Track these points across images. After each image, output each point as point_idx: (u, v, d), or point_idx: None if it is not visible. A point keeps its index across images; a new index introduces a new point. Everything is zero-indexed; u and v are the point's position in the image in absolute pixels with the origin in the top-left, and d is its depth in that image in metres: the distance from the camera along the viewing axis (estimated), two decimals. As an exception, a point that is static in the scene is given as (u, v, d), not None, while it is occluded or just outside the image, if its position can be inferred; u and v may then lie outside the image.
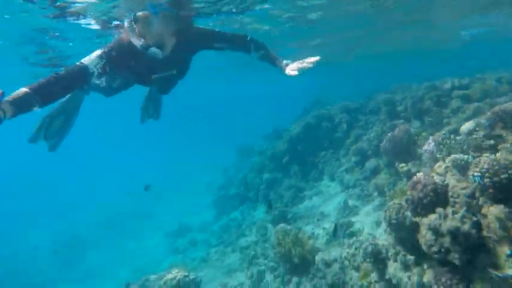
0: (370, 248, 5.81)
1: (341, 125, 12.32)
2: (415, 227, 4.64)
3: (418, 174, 4.75)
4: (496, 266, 3.84)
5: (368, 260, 5.88)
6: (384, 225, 6.76)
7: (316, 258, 7.45)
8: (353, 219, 8.58)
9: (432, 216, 4.36)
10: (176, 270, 7.11)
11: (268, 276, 8.39)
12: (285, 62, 3.78)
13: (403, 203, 4.84)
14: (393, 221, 4.75)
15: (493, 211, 3.78)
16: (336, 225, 7.33)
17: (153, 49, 3.42)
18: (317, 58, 3.36)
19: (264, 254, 9.23)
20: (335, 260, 7.07)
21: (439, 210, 4.26)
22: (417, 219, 4.68)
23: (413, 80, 12.55)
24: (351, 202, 9.41)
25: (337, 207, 9.62)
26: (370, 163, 9.57)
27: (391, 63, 28.25)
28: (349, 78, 35.39)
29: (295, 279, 7.56)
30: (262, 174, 13.44)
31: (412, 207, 4.67)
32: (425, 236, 4.37)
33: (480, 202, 4.05)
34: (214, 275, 9.41)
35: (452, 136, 6.07)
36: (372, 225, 7.86)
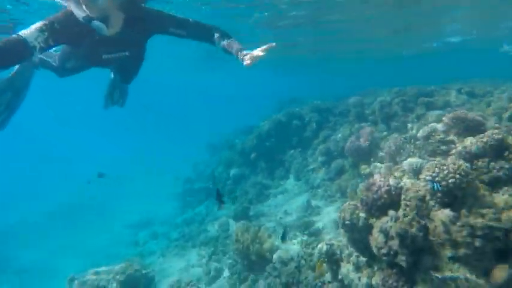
0: (325, 248, 5.80)
1: (311, 124, 12.35)
2: (368, 228, 4.64)
3: (374, 176, 4.76)
4: (438, 268, 3.90)
5: (322, 260, 5.87)
6: (341, 225, 6.81)
7: (274, 256, 7.39)
8: (314, 219, 8.61)
9: (384, 219, 4.38)
10: (127, 264, 6.79)
11: (226, 273, 8.26)
12: (244, 52, 3.60)
13: (358, 204, 4.83)
14: (347, 222, 4.73)
15: (439, 215, 3.82)
16: (284, 231, 7.30)
17: (97, 22, 3.14)
18: (272, 44, 3.21)
19: (224, 250, 9.08)
20: (292, 259, 7.04)
21: (391, 212, 4.28)
22: (371, 220, 4.69)
23: (391, 84, 12.77)
24: (314, 202, 9.44)
25: (300, 207, 9.63)
26: (336, 164, 9.64)
27: (371, 66, 28.74)
28: (329, 79, 35.77)
29: (251, 276, 7.46)
30: (230, 170, 13.27)
31: (366, 208, 4.67)
32: (376, 238, 4.38)
33: (430, 205, 4.10)
34: (171, 270, 9.14)
35: (412, 140, 6.16)
36: (331, 226, 7.90)
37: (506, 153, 4.25)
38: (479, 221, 3.64)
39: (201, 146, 19.98)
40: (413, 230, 3.95)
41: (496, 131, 4.36)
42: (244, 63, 3.21)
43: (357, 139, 7.54)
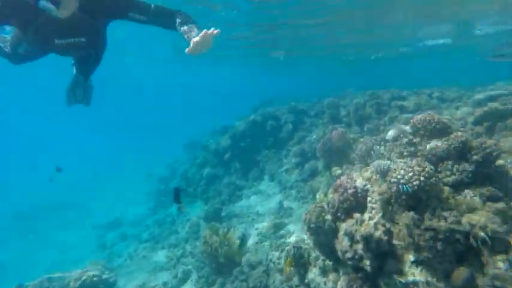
0: (292, 252, 5.66)
1: (286, 125, 12.25)
2: (334, 232, 4.52)
3: (341, 177, 4.65)
4: (402, 272, 3.82)
5: (289, 264, 5.72)
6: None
7: (243, 259, 7.20)
8: (286, 220, 8.48)
9: (350, 222, 4.27)
10: (85, 270, 6.40)
11: (194, 276, 7.98)
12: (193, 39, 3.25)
13: (325, 207, 4.71)
14: (312, 225, 4.59)
15: (403, 218, 3.74)
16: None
17: (44, 2, 2.84)
18: (213, 31, 2.93)
19: (193, 252, 8.80)
20: (260, 262, 6.86)
21: (356, 215, 4.17)
22: (338, 223, 4.58)
23: (369, 87, 12.83)
24: (286, 203, 9.31)
25: (273, 208, 9.48)
26: (309, 165, 9.55)
27: (352, 69, 28.92)
28: (309, 80, 35.86)
29: (219, 280, 7.23)
30: (203, 170, 12.96)
31: (332, 211, 4.55)
32: (341, 242, 4.26)
33: (395, 208, 4.02)
34: (137, 274, 8.76)
35: (382, 142, 6.12)
36: (302, 228, 7.78)
37: (469, 155, 4.24)
38: (441, 224, 3.58)
39: (180, 145, 19.55)
40: (378, 233, 3.86)
41: (460, 133, 4.34)
42: (186, 50, 2.98)
43: (328, 140, 7.46)
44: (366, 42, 16.97)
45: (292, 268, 5.79)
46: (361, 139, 8.35)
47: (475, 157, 4.16)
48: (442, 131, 4.69)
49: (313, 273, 5.28)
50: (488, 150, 4.21)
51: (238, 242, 7.64)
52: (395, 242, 3.79)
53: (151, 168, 19.39)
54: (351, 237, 4.14)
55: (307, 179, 9.55)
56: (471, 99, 8.65)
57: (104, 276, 6.50)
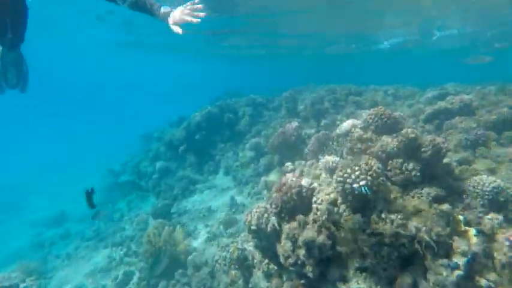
0: (236, 254, 5.19)
1: (244, 118, 11.75)
2: (277, 234, 4.11)
3: (286, 174, 4.23)
4: (345, 280, 3.48)
5: (233, 266, 5.26)
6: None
7: (188, 259, 6.63)
8: (238, 217, 8.01)
9: (293, 224, 3.85)
10: (5, 275, 5.51)
11: (136, 279, 7.28)
12: (163, 10, 2.82)
13: (268, 207, 4.27)
14: (253, 227, 4.14)
15: (348, 222, 3.39)
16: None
17: None
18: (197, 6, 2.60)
19: (137, 251, 8.07)
20: (206, 263, 6.34)
21: (300, 217, 3.76)
22: (282, 225, 4.15)
23: (331, 81, 12.56)
24: (240, 199, 8.85)
25: (225, 204, 8.98)
26: (265, 160, 9.13)
27: (317, 63, 28.65)
28: (274, 74, 35.39)
29: (162, 283, 6.61)
30: (156, 163, 12.13)
31: (276, 211, 4.12)
32: (283, 246, 3.84)
33: (341, 210, 3.67)
34: (72, 277, 7.88)
35: (335, 137, 5.80)
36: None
37: (419, 153, 3.99)
38: (387, 228, 3.27)
39: (138, 136, 18.36)
40: (322, 238, 3.47)
41: (410, 130, 4.08)
42: (175, 30, 2.56)
43: (282, 135, 7.06)
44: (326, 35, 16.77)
45: (237, 271, 5.33)
46: (316, 134, 8.08)
47: (424, 155, 3.91)
48: (393, 126, 4.42)
49: (257, 277, 4.85)
50: (437, 147, 3.98)
51: (184, 241, 7.05)
52: (339, 248, 3.43)
53: (105, 160, 18.07)
54: (294, 241, 3.73)
55: (262, 174, 9.13)
56: (423, 98, 8.67)
57: (30, 281, 5.64)
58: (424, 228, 3.15)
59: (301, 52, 20.82)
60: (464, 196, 3.98)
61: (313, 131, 8.62)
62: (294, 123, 7.12)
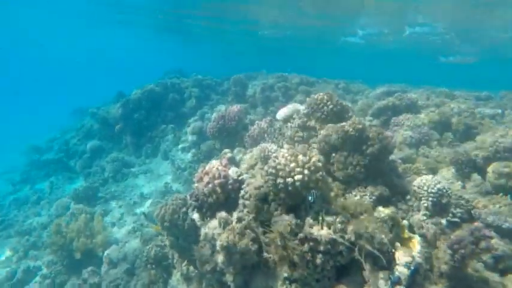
0: (153, 252, 4.32)
1: (190, 100, 10.68)
2: (197, 233, 3.31)
3: (211, 162, 3.43)
4: (272, 294, 2.81)
5: (150, 265, 4.38)
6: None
7: (105, 253, 5.59)
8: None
9: (213, 223, 3.08)
10: None
11: (40, 277, 6.06)
12: None
13: (188, 198, 3.44)
14: (166, 224, 3.30)
15: (278, 225, 2.70)
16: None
17: None
18: None
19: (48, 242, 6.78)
20: (125, 258, 5.37)
21: (221, 215, 2.99)
22: (202, 223, 3.36)
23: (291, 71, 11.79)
24: (175, 186, 7.92)
25: (159, 191, 7.99)
26: (206, 146, 8.24)
27: (273, 51, 27.47)
28: (228, 58, 33.77)
29: (71, 281, 5.50)
30: (88, 141, 10.63)
31: (196, 205, 3.31)
32: (200, 250, 3.06)
33: (271, 208, 2.97)
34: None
35: (278, 124, 5.10)
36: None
37: (365, 146, 3.43)
38: (323, 234, 2.63)
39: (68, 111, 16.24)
40: (245, 242, 2.74)
41: (358, 120, 3.49)
42: None
43: (221, 119, 6.23)
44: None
45: (154, 271, 4.46)
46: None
47: (371, 149, 3.36)
48: (340, 115, 3.81)
49: (176, 280, 4.04)
50: (385, 142, 3.45)
51: (104, 231, 5.98)
52: (266, 254, 2.73)
53: (34, 136, 15.76)
54: (213, 244, 2.96)
55: (203, 161, 8.25)
56: (372, 93, 8.39)
57: None
58: (365, 234, 2.57)
59: (256, 35, 19.64)
60: (407, 197, 3.52)
61: (259, 117, 7.93)
62: (236, 107, 6.31)
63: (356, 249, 2.64)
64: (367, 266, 2.65)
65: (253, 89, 9.87)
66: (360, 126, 3.42)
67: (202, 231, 3.05)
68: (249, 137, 5.26)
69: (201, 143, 8.67)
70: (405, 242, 2.66)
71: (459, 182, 4.28)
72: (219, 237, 2.86)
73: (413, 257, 2.49)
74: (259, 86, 9.41)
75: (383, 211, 2.69)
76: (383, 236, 2.55)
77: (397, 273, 2.45)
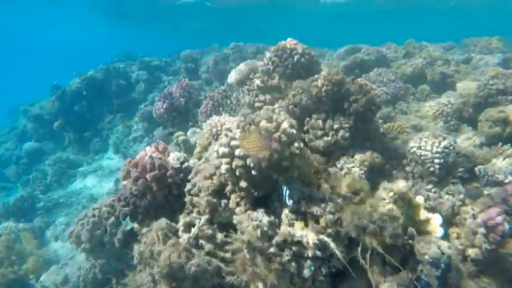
0: (92, 274, 3.22)
1: (139, 84, 9.25)
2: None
3: (146, 148, 2.37)
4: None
5: (89, 292, 3.29)
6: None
7: (39, 282, 4.38)
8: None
9: (150, 236, 2.05)
10: None
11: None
12: None
13: (116, 203, 2.37)
14: (85, 246, 2.21)
15: (245, 227, 1.75)
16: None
17: None
18: None
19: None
20: (65, 283, 4.22)
21: (159, 224, 1.97)
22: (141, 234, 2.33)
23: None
24: (129, 182, 6.70)
25: (112, 191, 6.75)
26: (159, 131, 7.01)
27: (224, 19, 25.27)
28: (176, 38, 30.83)
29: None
30: (23, 143, 8.94)
31: (126, 211, 2.25)
32: (135, 278, 2.04)
33: (231, 204, 2.00)
34: None
35: (235, 94, 4.07)
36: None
37: (347, 104, 2.53)
38: (309, 234, 1.72)
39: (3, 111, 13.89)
40: (196, 262, 1.77)
41: (335, 70, 2.56)
42: None
43: (167, 97, 5.08)
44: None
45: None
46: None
47: (355, 106, 2.47)
48: (309, 68, 2.86)
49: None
50: (370, 95, 2.57)
51: (38, 251, 4.74)
52: (229, 277, 1.77)
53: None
54: (152, 267, 1.95)
55: (159, 149, 7.06)
56: (335, 54, 7.54)
57: None
58: (370, 226, 1.69)
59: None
60: (404, 162, 2.71)
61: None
62: (184, 81, 5.17)
63: (358, 249, 1.76)
64: (375, 269, 1.80)
65: (206, 64, 8.66)
66: (338, 77, 2.50)
67: (136, 249, 2.02)
68: (201, 114, 4.20)
69: (154, 130, 7.44)
70: (422, 226, 1.82)
71: (450, 137, 3.59)
72: (161, 255, 1.85)
73: (440, 247, 1.66)
74: (212, 60, 8.22)
75: (389, 188, 1.82)
76: (396, 225, 1.69)
77: (422, 276, 1.61)
